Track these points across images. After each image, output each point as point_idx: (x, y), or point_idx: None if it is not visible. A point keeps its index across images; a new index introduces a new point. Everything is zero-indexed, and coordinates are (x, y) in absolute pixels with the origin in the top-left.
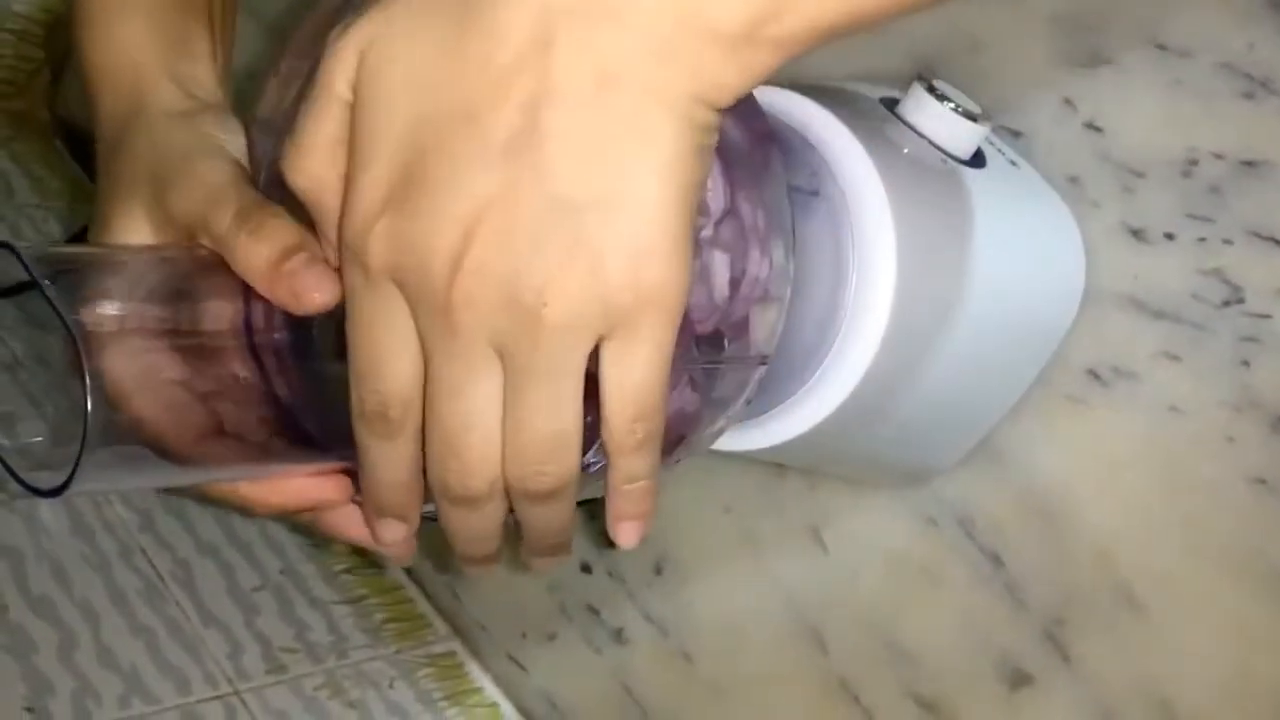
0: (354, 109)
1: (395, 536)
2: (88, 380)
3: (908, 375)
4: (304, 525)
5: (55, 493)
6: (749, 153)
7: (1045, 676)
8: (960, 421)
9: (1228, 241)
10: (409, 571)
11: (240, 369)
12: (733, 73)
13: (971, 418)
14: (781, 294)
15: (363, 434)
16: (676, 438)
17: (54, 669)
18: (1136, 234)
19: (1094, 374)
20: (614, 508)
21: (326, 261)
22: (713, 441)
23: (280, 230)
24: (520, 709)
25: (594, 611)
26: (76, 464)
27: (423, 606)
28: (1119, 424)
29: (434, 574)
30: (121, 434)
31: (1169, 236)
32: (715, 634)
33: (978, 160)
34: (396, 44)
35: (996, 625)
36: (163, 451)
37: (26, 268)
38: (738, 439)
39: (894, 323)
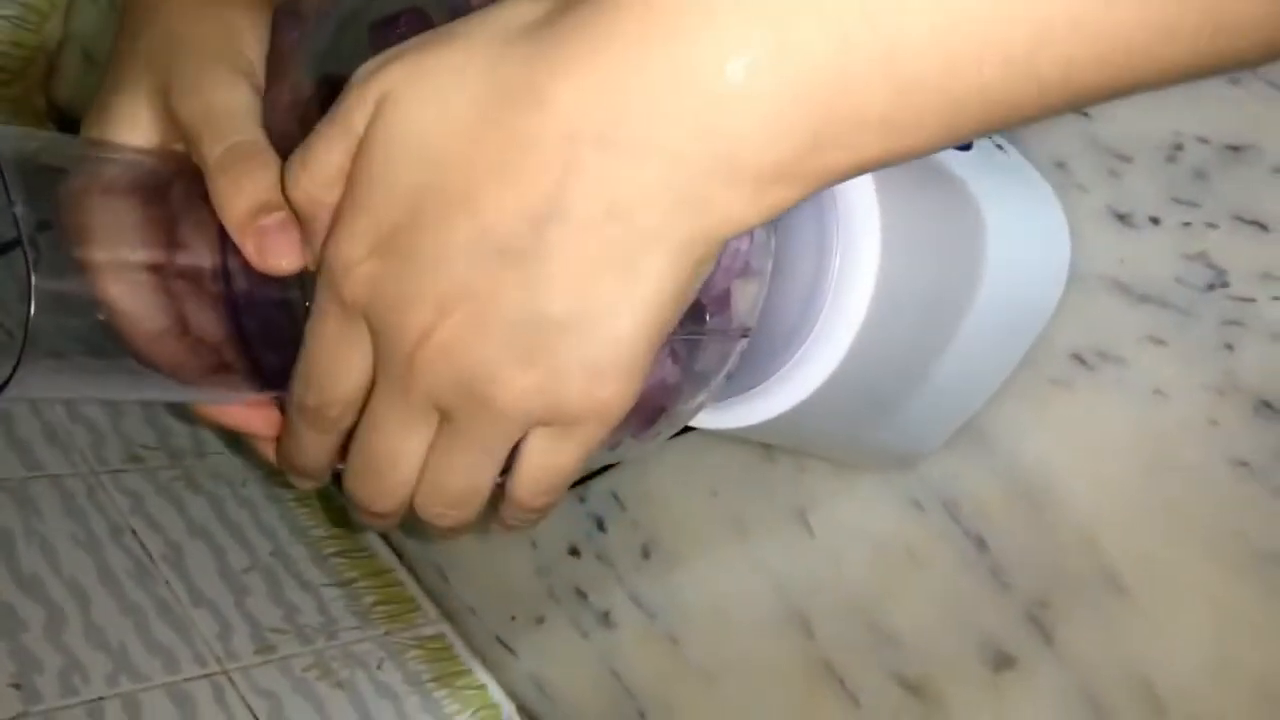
0: (360, 148)
1: (305, 488)
2: (31, 280)
3: (891, 355)
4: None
5: None
6: None
7: (1028, 659)
8: (945, 404)
9: (1212, 226)
10: (399, 555)
11: (201, 293)
12: (751, 211)
13: (956, 400)
14: (763, 267)
15: (295, 418)
16: (656, 409)
17: (42, 647)
18: (1122, 218)
19: (1078, 358)
20: (495, 521)
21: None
22: (692, 415)
23: (265, 183)
24: (509, 691)
25: (582, 595)
26: (16, 364)
27: (412, 589)
28: (1103, 407)
29: (424, 557)
30: (66, 337)
31: (1154, 221)
32: (702, 617)
33: (964, 142)
34: (420, 104)
35: (981, 608)
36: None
37: None
38: (722, 417)
39: (877, 302)
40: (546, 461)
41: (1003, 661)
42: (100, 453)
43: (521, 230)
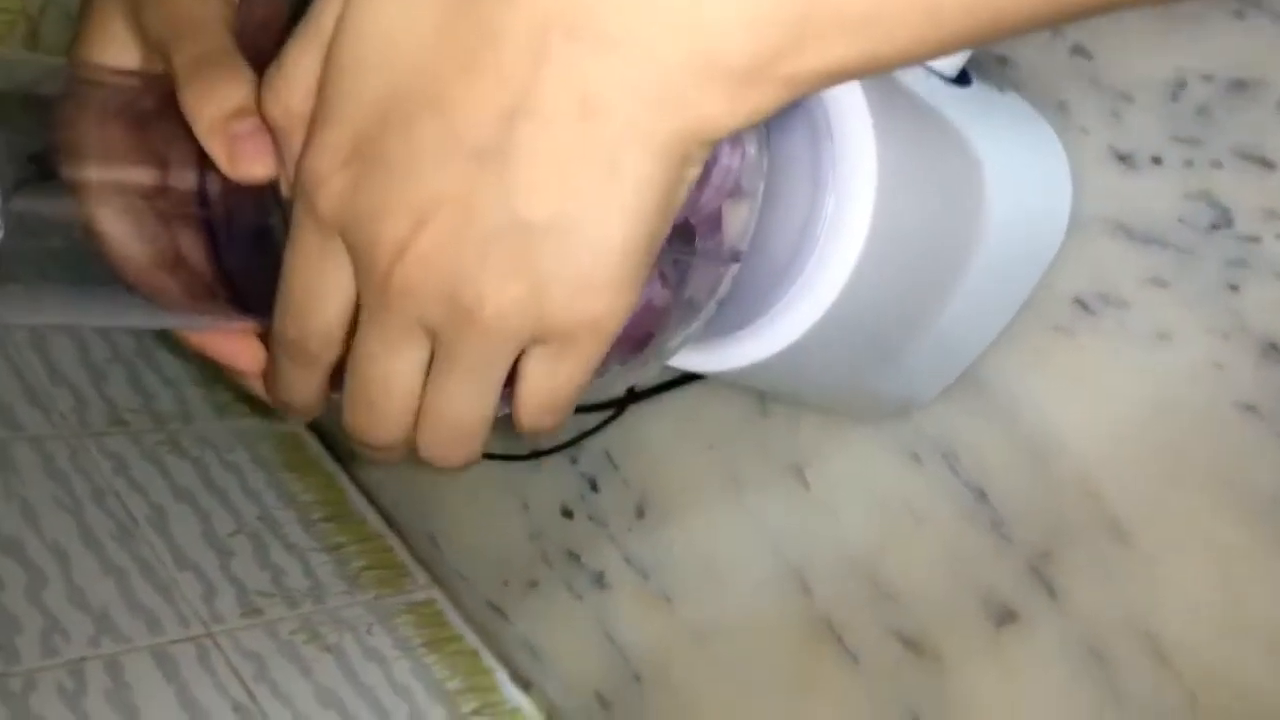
0: (328, 54)
1: (293, 421)
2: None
3: (887, 298)
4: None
5: None
6: None
7: (1030, 612)
8: (943, 350)
9: (1216, 164)
10: (389, 520)
11: (182, 216)
12: (731, 111)
13: (954, 347)
14: (754, 189)
15: (278, 353)
16: (644, 335)
17: (22, 607)
18: (1124, 159)
19: (1081, 302)
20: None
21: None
22: (682, 345)
23: (235, 90)
24: (500, 656)
25: (574, 557)
26: None
27: (402, 555)
28: (1106, 353)
29: (414, 523)
30: (41, 260)
31: (1156, 161)
32: (697, 576)
33: (963, 79)
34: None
35: (981, 561)
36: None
37: None
38: (715, 358)
39: (872, 241)
40: (544, 383)
41: (1004, 615)
42: (83, 416)
43: (492, 128)
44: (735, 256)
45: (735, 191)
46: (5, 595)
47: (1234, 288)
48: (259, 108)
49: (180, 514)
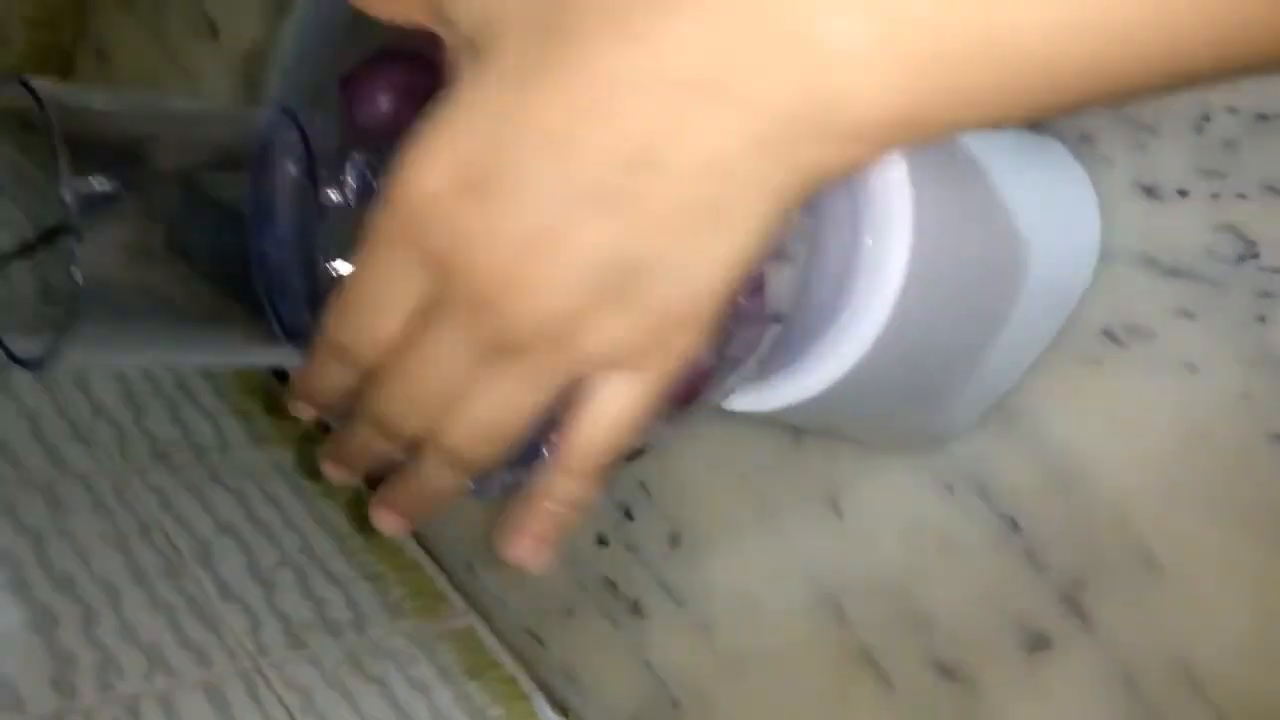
0: (468, 43)
1: (300, 415)
2: (74, 247)
3: (924, 337)
4: None
5: (39, 364)
6: None
7: (1064, 640)
8: (977, 384)
9: (1242, 196)
10: (426, 548)
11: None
12: (843, 163)
13: (988, 380)
14: (797, 252)
15: (322, 350)
16: (689, 392)
17: (77, 643)
18: (1149, 191)
19: (1109, 334)
20: (523, 518)
21: None
22: (722, 399)
23: None
24: (539, 683)
25: (611, 584)
26: (63, 335)
27: (440, 583)
28: (1135, 383)
29: (451, 550)
30: (109, 306)
31: (1182, 193)
32: (733, 604)
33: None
34: (515, 15)
35: (1015, 589)
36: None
37: (39, 102)
38: (753, 399)
39: (909, 280)
40: (607, 408)
41: (1038, 642)
42: (126, 450)
43: (610, 175)
44: (777, 318)
45: (779, 254)
46: (61, 632)
47: (1261, 319)
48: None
49: (224, 547)
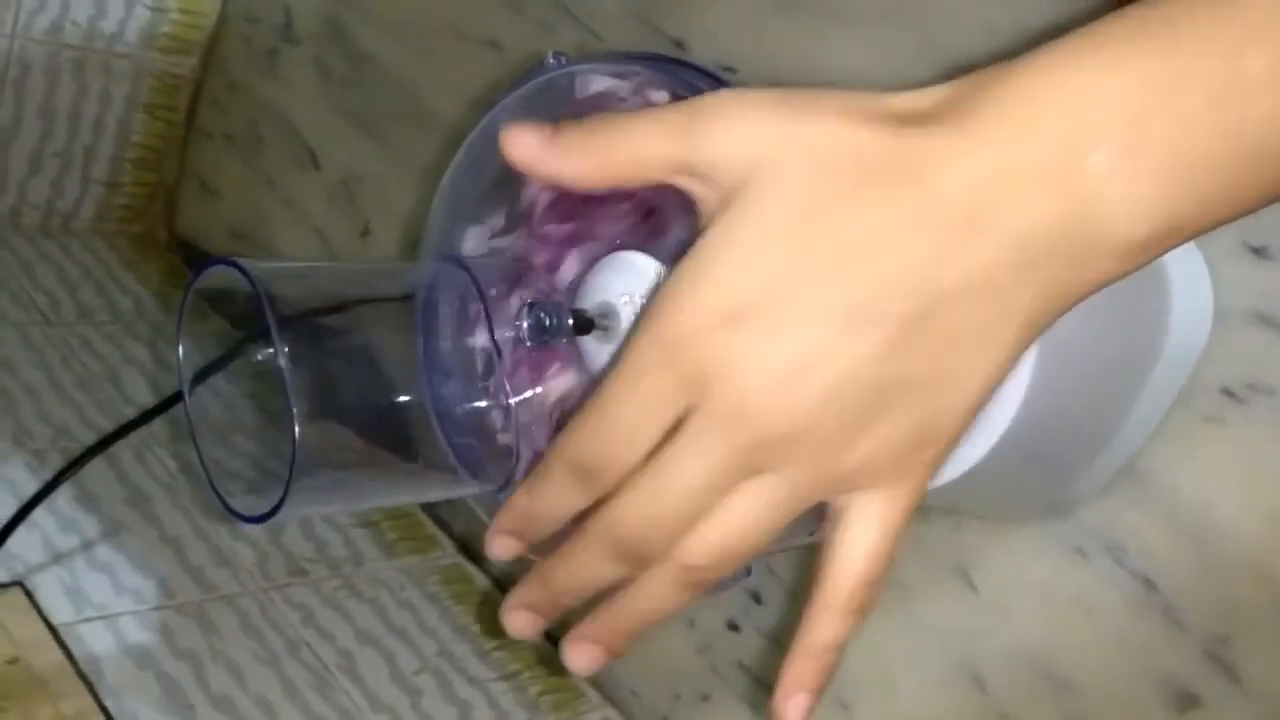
0: (728, 191)
1: (503, 554)
2: (293, 407)
3: (1052, 412)
4: None
5: (264, 518)
6: None
7: (1214, 697)
8: (1103, 449)
9: None
10: (556, 643)
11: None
12: (1097, 282)
13: (1113, 445)
14: None
15: (556, 467)
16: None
17: None
18: (1257, 251)
19: (1229, 392)
20: (797, 672)
21: None
22: None
23: None
24: None
25: (745, 668)
26: (286, 490)
27: (577, 679)
28: (1259, 439)
29: None
30: (323, 459)
31: None
32: (870, 681)
33: None
34: (788, 165)
35: (1157, 649)
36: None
37: (250, 281)
38: None
39: (1039, 365)
40: (868, 536)
41: (1187, 701)
42: (266, 569)
43: (890, 301)
44: None
45: None
46: None
47: None
48: None
49: (367, 657)
